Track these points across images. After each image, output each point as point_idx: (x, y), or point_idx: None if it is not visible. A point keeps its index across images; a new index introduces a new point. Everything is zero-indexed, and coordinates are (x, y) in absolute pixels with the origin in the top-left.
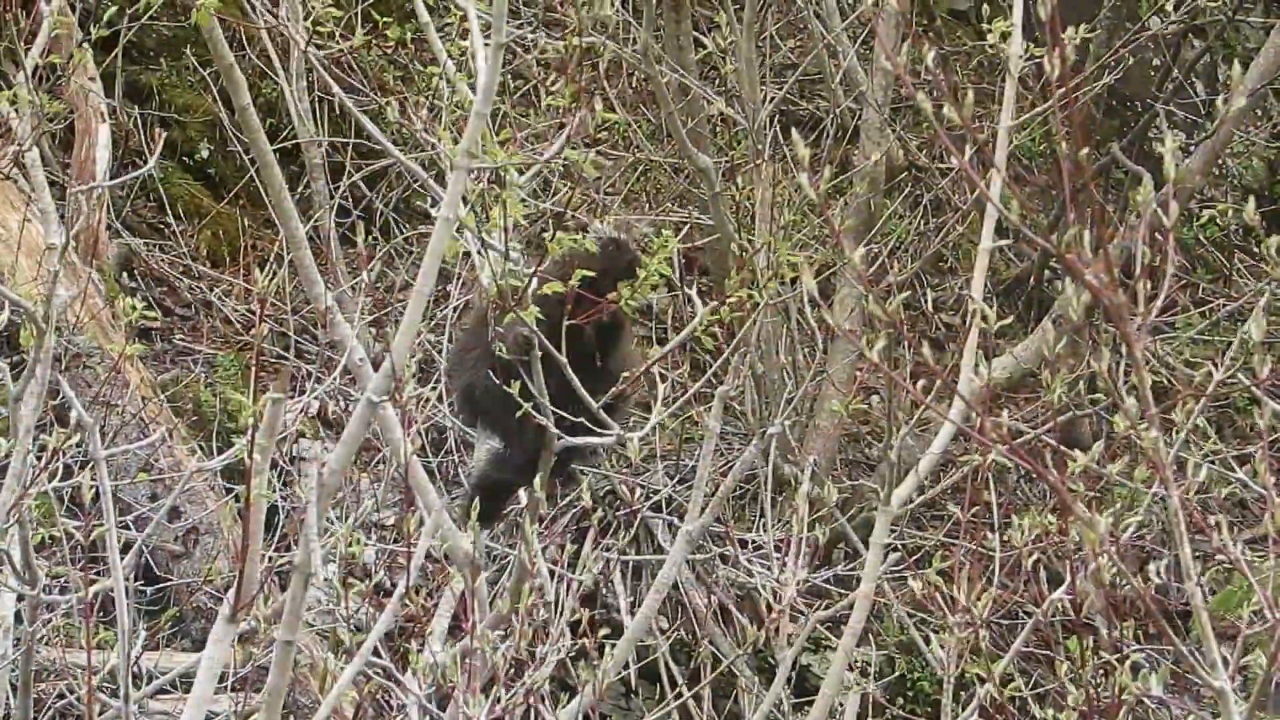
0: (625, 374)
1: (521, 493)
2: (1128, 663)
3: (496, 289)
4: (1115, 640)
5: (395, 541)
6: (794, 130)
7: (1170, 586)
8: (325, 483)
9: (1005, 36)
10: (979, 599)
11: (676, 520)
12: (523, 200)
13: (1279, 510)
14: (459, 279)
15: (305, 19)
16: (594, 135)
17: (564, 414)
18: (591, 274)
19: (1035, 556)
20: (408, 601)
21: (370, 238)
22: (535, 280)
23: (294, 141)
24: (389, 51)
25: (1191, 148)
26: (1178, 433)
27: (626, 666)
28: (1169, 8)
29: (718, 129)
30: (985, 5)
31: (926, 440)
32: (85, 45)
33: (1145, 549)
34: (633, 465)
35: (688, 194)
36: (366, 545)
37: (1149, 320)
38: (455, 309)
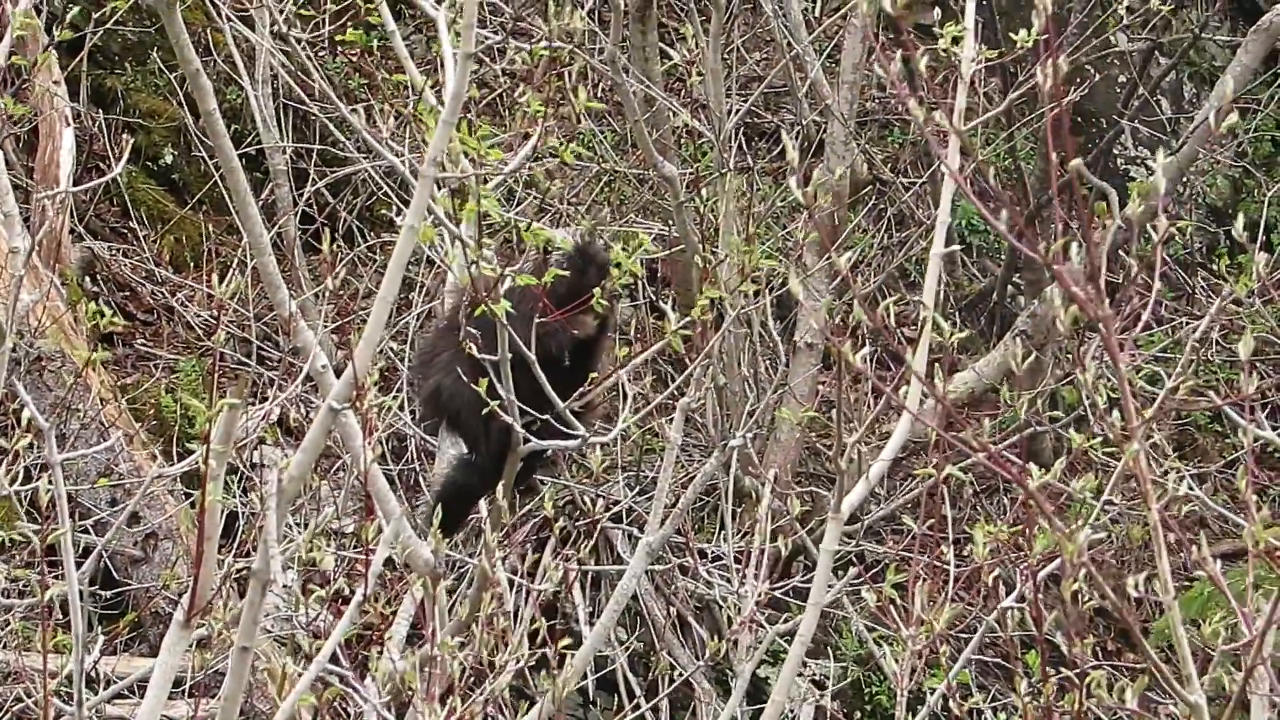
0: (592, 377)
1: (483, 502)
2: (1088, 679)
3: (469, 279)
4: (1076, 656)
5: (355, 549)
6: (785, 135)
7: (1142, 599)
8: (284, 489)
9: (957, 41)
10: (937, 612)
11: (636, 531)
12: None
13: (1256, 526)
14: (422, 287)
15: (271, 25)
16: (573, 131)
17: (532, 413)
18: (565, 274)
19: (995, 572)
20: (366, 609)
21: (334, 245)
22: (507, 276)
23: (258, 147)
24: (354, 59)
25: (1155, 164)
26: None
27: (585, 676)
28: (1121, 12)
29: (683, 140)
30: (937, 16)
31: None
32: (50, 49)
33: (1100, 564)
34: (594, 476)
35: (652, 205)
36: (326, 552)
37: (1133, 333)
38: (418, 316)
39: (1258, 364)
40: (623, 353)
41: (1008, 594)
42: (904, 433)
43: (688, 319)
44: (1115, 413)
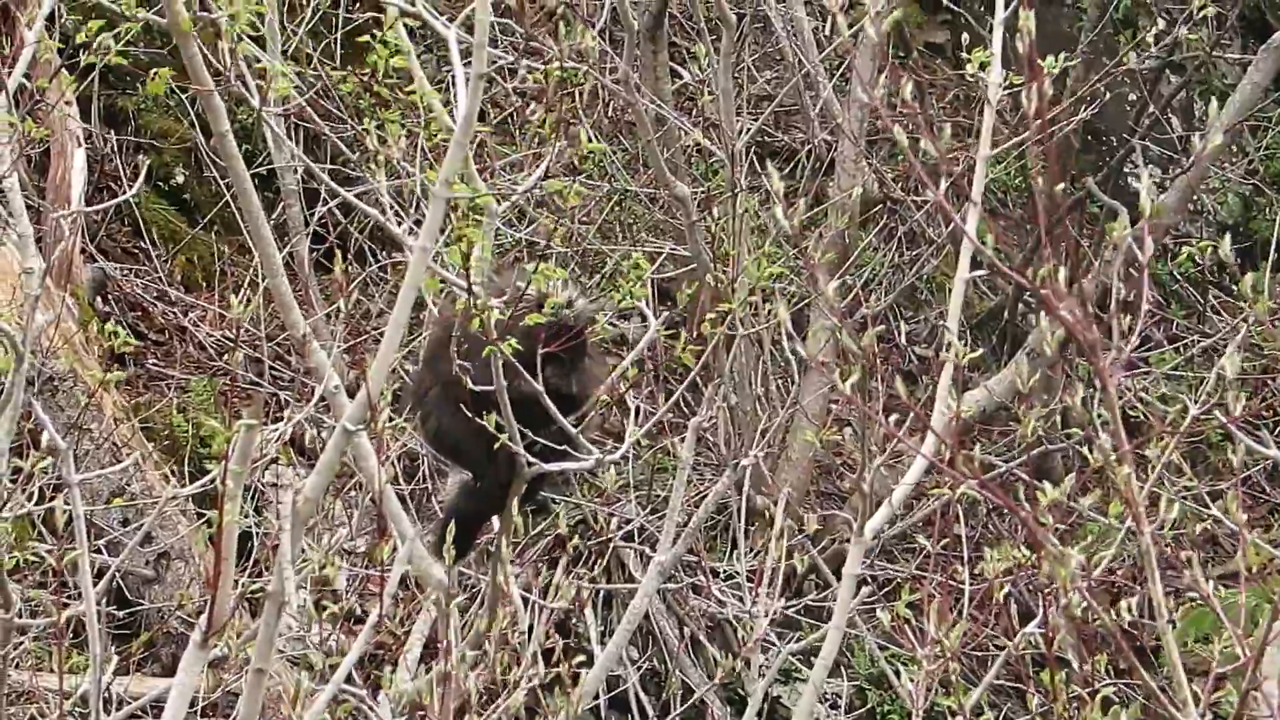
0: (588, 397)
1: (495, 520)
2: (1098, 698)
3: (479, 322)
4: (1086, 675)
5: (367, 567)
6: (769, 163)
7: (1141, 622)
8: (299, 510)
9: (984, 66)
10: (950, 631)
11: (648, 550)
12: (498, 229)
13: (1250, 546)
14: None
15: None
16: (577, 165)
17: (533, 439)
18: (557, 302)
19: (1006, 590)
20: (379, 629)
21: (346, 265)
22: (500, 309)
23: (269, 167)
24: (366, 79)
25: (1167, 183)
26: (1152, 469)
27: (597, 696)
28: (1149, 39)
29: (693, 159)
30: (965, 36)
31: (899, 472)
32: (62, 69)
33: (1116, 584)
34: (605, 494)
35: (663, 224)
36: (339, 569)
37: (1124, 356)
38: None
39: (1268, 381)
40: (632, 373)
41: (1020, 614)
42: (925, 459)
43: (665, 316)
44: (1105, 436)
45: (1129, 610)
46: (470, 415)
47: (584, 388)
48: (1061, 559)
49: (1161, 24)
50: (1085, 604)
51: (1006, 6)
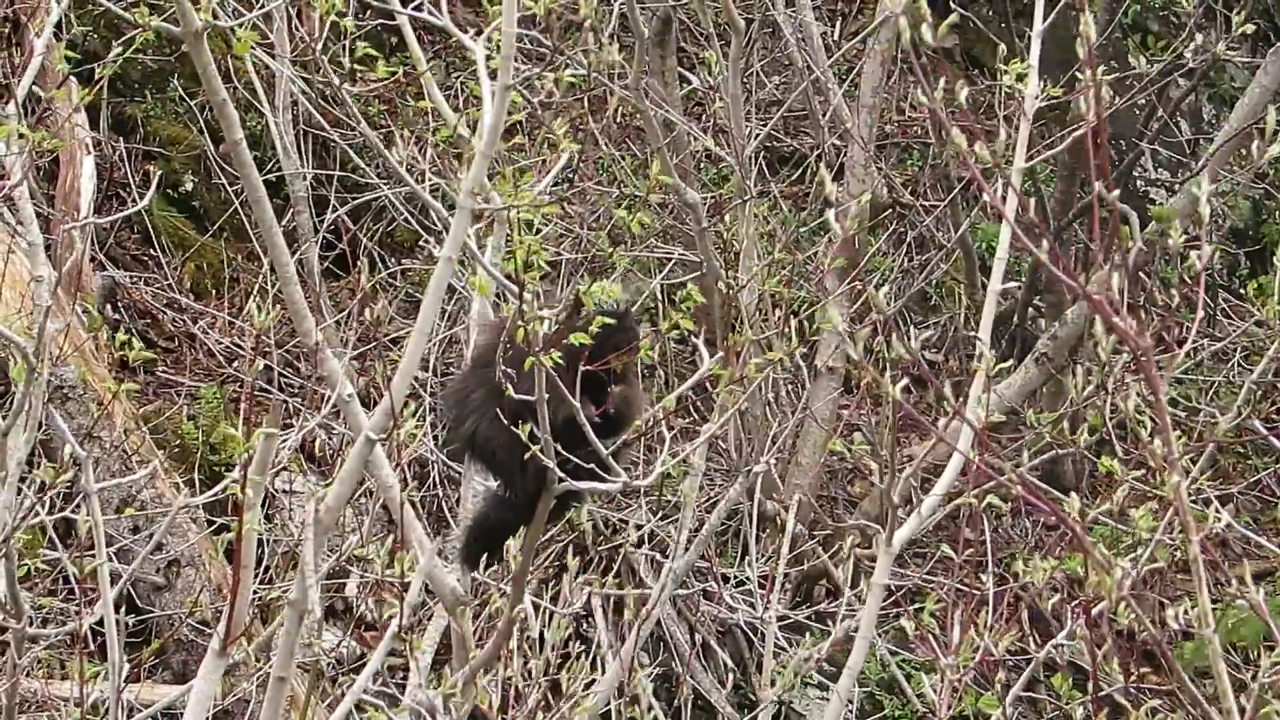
0: (630, 419)
1: (512, 540)
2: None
3: (522, 332)
4: (1130, 685)
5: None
6: (823, 171)
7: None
8: (322, 520)
9: (1021, 78)
10: (996, 636)
11: (659, 555)
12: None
13: None
14: (444, 313)
15: (292, 51)
16: (597, 173)
17: (569, 456)
18: (609, 319)
19: (1021, 598)
20: (399, 639)
21: (358, 272)
22: (553, 324)
23: (278, 174)
24: (374, 84)
25: (1176, 187)
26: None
27: (608, 702)
28: (1187, 54)
29: (703, 165)
30: (995, 45)
31: (907, 480)
32: (74, 79)
33: (1134, 589)
34: (614, 501)
35: (673, 230)
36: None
37: (1173, 364)
38: (440, 343)
39: (1278, 385)
40: (661, 397)
41: (1029, 617)
42: (955, 469)
43: (719, 356)
44: (1157, 442)
45: (1175, 619)
46: (509, 424)
47: (628, 411)
48: (1106, 569)
49: (1199, 39)
50: (1130, 614)
51: (1045, 17)
